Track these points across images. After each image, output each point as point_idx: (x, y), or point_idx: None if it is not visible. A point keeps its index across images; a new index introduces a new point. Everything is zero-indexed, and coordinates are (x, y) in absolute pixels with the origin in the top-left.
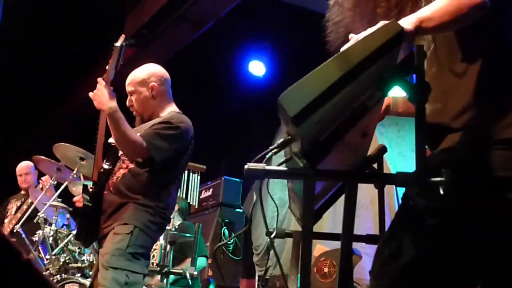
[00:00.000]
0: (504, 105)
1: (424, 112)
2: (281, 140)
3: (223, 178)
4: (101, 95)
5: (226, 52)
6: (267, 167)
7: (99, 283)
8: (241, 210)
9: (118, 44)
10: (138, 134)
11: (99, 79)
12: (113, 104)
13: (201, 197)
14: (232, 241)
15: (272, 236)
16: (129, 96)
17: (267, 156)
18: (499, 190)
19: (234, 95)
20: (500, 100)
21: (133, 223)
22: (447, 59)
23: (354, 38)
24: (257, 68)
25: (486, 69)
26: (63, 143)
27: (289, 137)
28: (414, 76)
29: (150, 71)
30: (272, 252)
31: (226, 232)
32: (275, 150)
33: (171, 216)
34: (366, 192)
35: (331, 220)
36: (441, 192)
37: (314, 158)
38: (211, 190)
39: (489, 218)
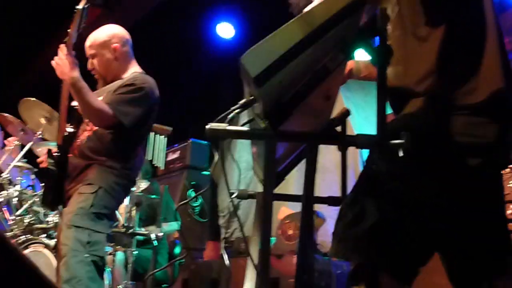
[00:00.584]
0: (465, 71)
1: (385, 75)
2: (243, 100)
3: (190, 141)
4: (63, 65)
5: (194, 14)
6: (229, 127)
7: (61, 241)
8: (208, 173)
9: (79, 7)
10: (101, 97)
11: (61, 46)
12: (75, 73)
13: (168, 159)
14: (198, 203)
15: (233, 196)
16: (90, 59)
17: (229, 116)
18: (460, 155)
19: (203, 57)
20: (462, 66)
21: (98, 184)
22: (411, 22)
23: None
24: (226, 30)
25: (449, 34)
26: (29, 99)
27: (252, 98)
28: (377, 39)
29: (111, 33)
30: (237, 214)
31: (193, 194)
32: (237, 110)
33: (137, 178)
34: (332, 157)
35: (297, 182)
36: (400, 154)
37: (276, 119)
38: (178, 152)
39: (450, 183)
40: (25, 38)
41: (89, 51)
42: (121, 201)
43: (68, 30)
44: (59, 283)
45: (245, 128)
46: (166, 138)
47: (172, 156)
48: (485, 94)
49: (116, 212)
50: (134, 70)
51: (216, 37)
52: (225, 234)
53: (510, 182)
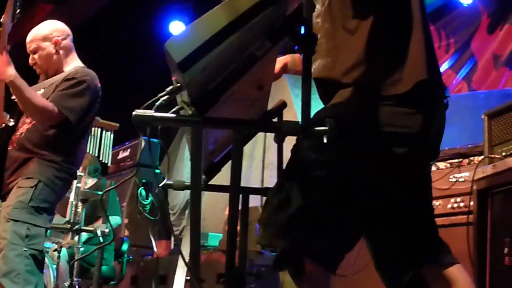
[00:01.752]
0: (391, 62)
1: (310, 63)
2: (170, 87)
3: (141, 138)
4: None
5: (147, 12)
6: (155, 114)
7: (0, 235)
8: (158, 171)
9: None
10: (42, 89)
11: None
12: (12, 71)
13: (118, 157)
14: (149, 201)
15: (161, 184)
16: (31, 55)
17: (157, 103)
18: (385, 144)
19: (155, 55)
20: (388, 57)
21: (38, 177)
22: (340, 15)
23: None
24: (178, 29)
25: (376, 27)
26: None
27: (178, 84)
28: (303, 27)
29: (52, 27)
30: (187, 212)
31: (143, 192)
32: (164, 97)
33: (82, 174)
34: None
35: (246, 170)
36: (325, 141)
37: (202, 105)
38: (128, 150)
39: (375, 172)
40: None
41: (30, 46)
42: (62, 196)
43: (1, 20)
44: None
45: (171, 114)
46: (112, 134)
47: (123, 154)
48: (409, 85)
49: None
50: (75, 64)
51: (168, 35)
52: (175, 231)
53: (450, 176)
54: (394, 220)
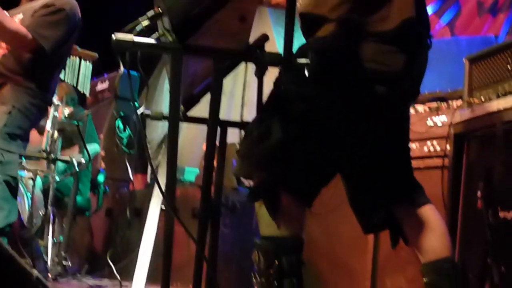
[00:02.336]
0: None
1: None
2: (151, 12)
3: (120, 71)
4: None
5: None
6: (136, 39)
7: None
8: (137, 103)
9: None
10: (21, 14)
11: None
12: None
13: (97, 88)
14: (126, 134)
15: (139, 113)
16: None
17: (137, 28)
18: (366, 81)
19: None
20: None
21: (12, 103)
22: None
23: None
24: None
25: None
26: None
27: (160, 11)
28: None
29: None
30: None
31: (121, 125)
32: (144, 23)
33: (60, 103)
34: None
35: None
36: (306, 73)
37: (184, 32)
38: (107, 82)
39: (355, 107)
40: None
41: None
42: (36, 122)
43: None
44: None
45: (151, 39)
46: (91, 64)
47: (101, 86)
48: (395, 22)
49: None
50: None
51: None
52: (154, 165)
53: (427, 120)
54: (369, 157)
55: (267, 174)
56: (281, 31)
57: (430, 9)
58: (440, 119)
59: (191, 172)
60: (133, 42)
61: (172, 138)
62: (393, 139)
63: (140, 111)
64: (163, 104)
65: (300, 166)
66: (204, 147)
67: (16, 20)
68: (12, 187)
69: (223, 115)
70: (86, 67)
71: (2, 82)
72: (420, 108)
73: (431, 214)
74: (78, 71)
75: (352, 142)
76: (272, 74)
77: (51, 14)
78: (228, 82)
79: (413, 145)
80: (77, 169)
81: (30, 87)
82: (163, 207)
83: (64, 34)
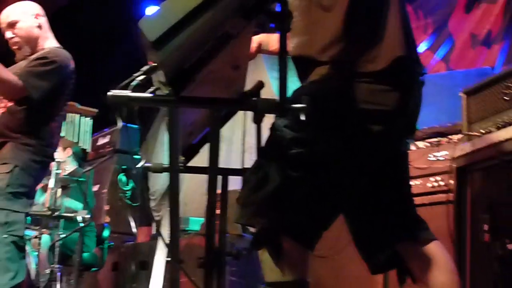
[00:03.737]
0: (368, 39)
1: (286, 41)
2: (145, 67)
3: (119, 125)
4: None
5: None
6: (131, 94)
7: None
8: (139, 157)
9: None
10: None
11: None
12: None
13: (98, 144)
14: (129, 187)
15: (139, 166)
16: (8, 30)
17: (132, 83)
18: (362, 121)
19: (132, 40)
20: (365, 34)
21: (13, 162)
22: None
23: None
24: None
25: (353, 4)
26: None
27: (154, 64)
28: (278, 5)
29: (30, 3)
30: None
31: (124, 178)
32: (139, 77)
33: (61, 160)
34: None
35: (226, 154)
36: (302, 118)
37: (178, 85)
38: (108, 136)
39: (353, 149)
40: None
41: (8, 20)
42: (40, 179)
43: None
44: None
45: (146, 94)
46: (91, 120)
47: (102, 141)
48: (386, 61)
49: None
50: (52, 43)
51: None
52: (156, 217)
53: (428, 155)
54: (371, 197)
55: (267, 220)
56: (276, 75)
57: (424, 45)
58: (442, 154)
59: (196, 221)
60: (129, 98)
61: (173, 189)
62: (392, 177)
63: (140, 164)
64: (164, 155)
65: (300, 210)
66: None
67: None
68: (20, 247)
69: (223, 161)
70: (86, 123)
71: (2, 142)
72: (421, 143)
73: (437, 251)
74: (79, 127)
75: (350, 182)
76: (270, 118)
77: (42, 65)
78: (227, 128)
79: (416, 182)
80: (81, 225)
81: (30, 143)
82: (168, 259)
83: (54, 85)
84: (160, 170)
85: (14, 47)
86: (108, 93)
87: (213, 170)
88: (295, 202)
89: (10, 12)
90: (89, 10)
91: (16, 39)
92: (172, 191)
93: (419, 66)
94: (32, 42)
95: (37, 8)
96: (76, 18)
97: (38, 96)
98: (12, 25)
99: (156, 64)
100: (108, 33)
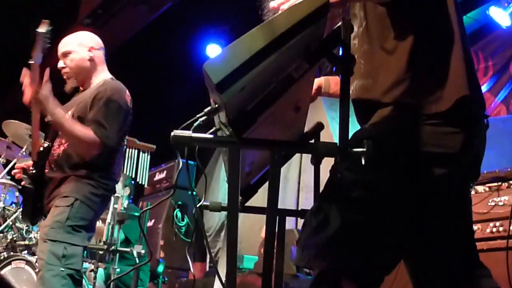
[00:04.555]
0: (432, 80)
1: (348, 84)
2: (208, 108)
3: (177, 160)
4: (42, 100)
5: (184, 36)
6: (193, 135)
7: (38, 256)
8: (194, 193)
9: (40, 30)
10: (71, 110)
11: (25, 70)
12: (54, 109)
13: (155, 179)
14: (184, 223)
15: (198, 205)
16: (62, 60)
17: (195, 124)
18: (426, 164)
19: (192, 78)
20: (429, 75)
21: (74, 196)
22: (378, 36)
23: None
24: (214, 51)
25: (416, 46)
26: (13, 121)
27: (216, 105)
28: (341, 49)
29: (88, 35)
30: (222, 233)
31: (179, 214)
32: (202, 118)
33: (119, 195)
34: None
35: (281, 191)
36: (363, 162)
37: (240, 127)
38: (165, 172)
39: (416, 192)
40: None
41: (63, 50)
42: (101, 212)
43: (32, 53)
44: None
45: (208, 135)
46: (149, 156)
47: (159, 176)
48: (450, 102)
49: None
50: (104, 75)
51: (205, 57)
52: (212, 253)
53: (489, 200)
54: (433, 241)
55: (328, 263)
56: (335, 116)
57: (485, 87)
58: (502, 199)
59: (250, 259)
60: (192, 138)
61: (231, 230)
62: (455, 221)
63: (200, 204)
64: (220, 192)
65: (362, 254)
66: (262, 234)
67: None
68: (77, 280)
69: (279, 199)
70: (145, 159)
71: (64, 176)
72: (481, 188)
73: None
74: (137, 162)
75: (413, 226)
76: (328, 159)
77: (105, 106)
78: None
79: (475, 227)
80: (137, 261)
81: (91, 177)
82: None
83: (121, 123)
84: (218, 209)
85: (64, 77)
86: (172, 133)
87: (272, 211)
88: (357, 245)
89: (67, 42)
90: (147, 47)
91: (66, 70)
92: (230, 232)
93: (483, 108)
94: (81, 75)
95: (94, 41)
96: (135, 54)
97: (113, 142)
98: (65, 55)
99: (218, 105)
100: (166, 70)
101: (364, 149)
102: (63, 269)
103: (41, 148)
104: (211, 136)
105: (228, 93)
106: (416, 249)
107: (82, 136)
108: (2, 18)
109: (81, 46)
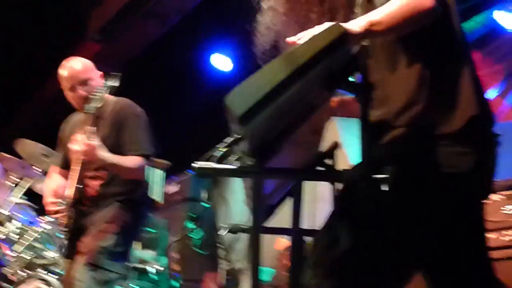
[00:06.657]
0: (442, 101)
1: (368, 111)
2: (230, 138)
3: (190, 174)
4: (90, 150)
5: (192, 47)
6: (216, 166)
7: (75, 277)
8: (209, 205)
9: (109, 83)
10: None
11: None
12: (104, 155)
13: (168, 192)
14: (200, 236)
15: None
16: (78, 87)
17: (218, 155)
18: (439, 185)
19: (201, 89)
20: (439, 97)
21: (120, 223)
22: (385, 61)
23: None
24: (222, 62)
25: (425, 69)
26: (25, 139)
27: (238, 136)
28: (359, 76)
29: (87, 68)
30: (237, 247)
31: (190, 225)
32: (223, 149)
33: None
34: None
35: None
36: (385, 189)
37: (263, 156)
38: (178, 185)
39: (429, 212)
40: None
41: (82, 76)
42: (137, 239)
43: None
44: None
45: (232, 166)
46: (164, 172)
47: (172, 189)
48: (461, 122)
49: None
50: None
51: (213, 69)
52: (226, 266)
53: (503, 208)
54: (446, 260)
55: (338, 283)
56: (344, 133)
57: (494, 91)
58: None
59: (266, 272)
60: (215, 170)
61: (254, 251)
62: (469, 239)
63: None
64: (235, 204)
65: (372, 273)
66: (275, 246)
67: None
68: None
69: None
70: (159, 176)
71: (107, 203)
72: (495, 196)
73: None
74: (153, 180)
75: (426, 245)
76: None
77: (133, 123)
78: None
79: (490, 235)
80: (156, 278)
81: (132, 204)
82: None
83: (149, 133)
84: (238, 231)
85: (80, 102)
86: (195, 166)
87: (296, 232)
88: (366, 265)
89: (84, 68)
90: (155, 61)
91: (85, 96)
92: (253, 253)
93: (493, 124)
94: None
95: (92, 70)
96: (144, 69)
97: (151, 151)
98: (83, 82)
99: (239, 136)
100: (174, 82)
101: (387, 176)
102: None
103: (80, 185)
104: (234, 167)
105: (250, 125)
106: (428, 267)
107: (130, 167)
108: (12, 36)
109: (94, 72)
